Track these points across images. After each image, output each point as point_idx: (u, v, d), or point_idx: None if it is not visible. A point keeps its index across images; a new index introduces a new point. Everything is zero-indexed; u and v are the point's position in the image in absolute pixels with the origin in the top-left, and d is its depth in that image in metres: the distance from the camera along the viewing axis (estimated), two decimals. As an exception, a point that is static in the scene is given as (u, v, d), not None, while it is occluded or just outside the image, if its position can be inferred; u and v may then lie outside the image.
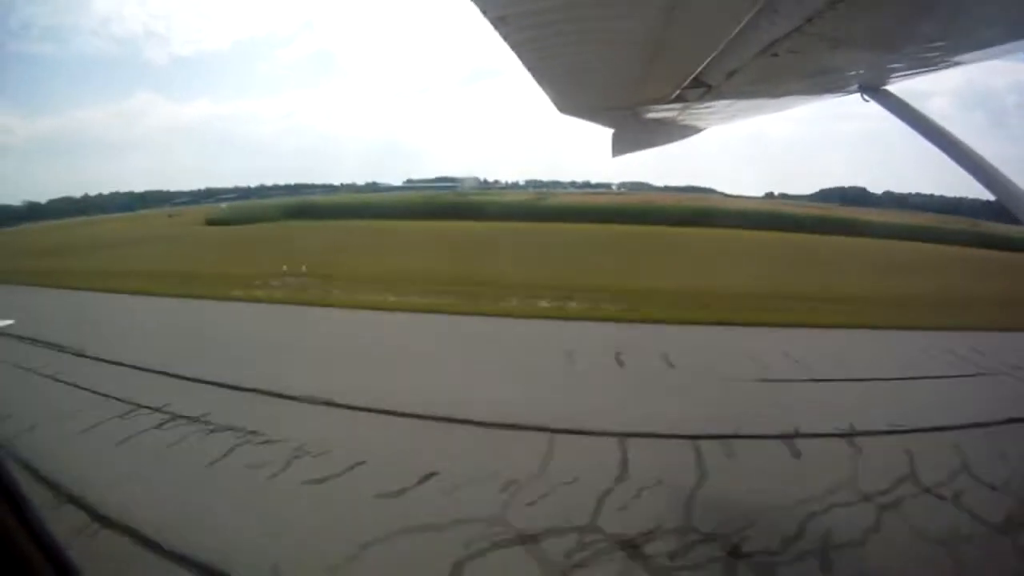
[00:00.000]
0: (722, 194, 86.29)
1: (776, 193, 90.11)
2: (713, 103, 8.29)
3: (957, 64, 5.62)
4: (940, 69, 5.85)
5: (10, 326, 18.20)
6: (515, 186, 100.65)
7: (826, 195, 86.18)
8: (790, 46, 5.03)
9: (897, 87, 6.70)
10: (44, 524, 2.07)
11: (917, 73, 6.09)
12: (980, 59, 5.38)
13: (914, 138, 6.34)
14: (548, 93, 6.96)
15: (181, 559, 7.01)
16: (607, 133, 11.17)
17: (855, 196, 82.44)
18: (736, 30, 4.69)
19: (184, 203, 79.40)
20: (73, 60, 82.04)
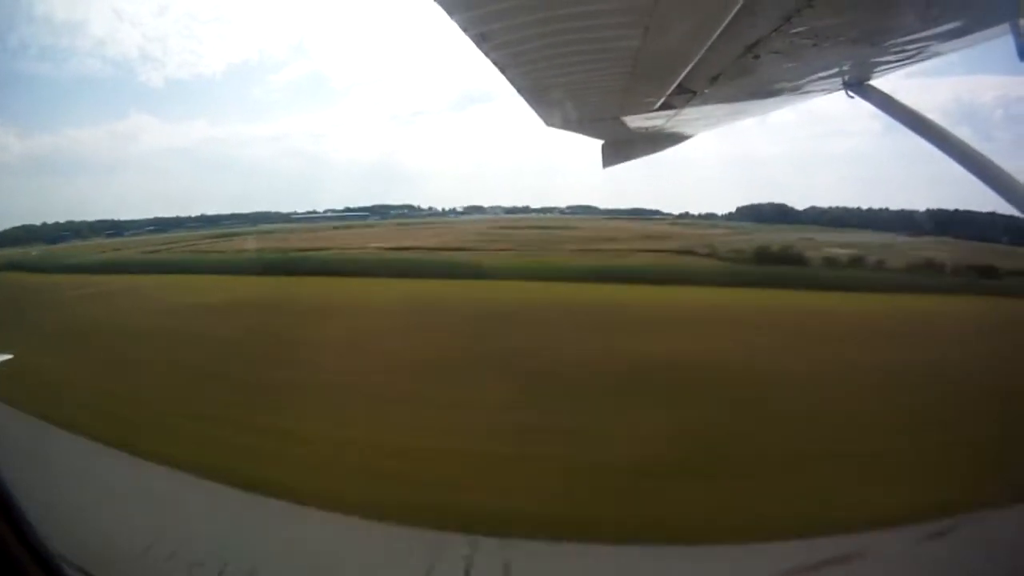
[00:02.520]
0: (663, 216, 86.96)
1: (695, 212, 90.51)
2: (699, 109, 8.33)
3: (937, 55, 5.65)
4: (921, 60, 5.88)
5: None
6: (452, 212, 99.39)
7: (744, 213, 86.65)
8: (771, 47, 5.06)
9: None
10: (36, 530, 2.06)
11: (899, 66, 6.13)
12: (959, 47, 5.42)
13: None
14: (533, 107, 7.00)
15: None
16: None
17: (772, 213, 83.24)
18: (716, 34, 4.71)
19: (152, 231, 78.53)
20: (69, 80, 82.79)
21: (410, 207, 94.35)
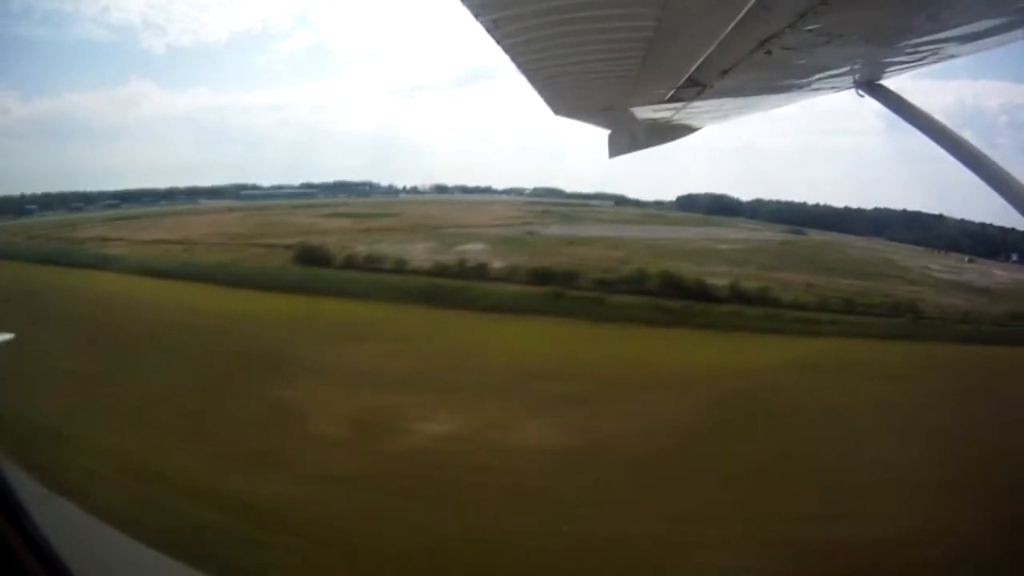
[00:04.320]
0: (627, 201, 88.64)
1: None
2: (708, 102, 8.28)
3: (952, 57, 5.62)
4: (934, 62, 5.84)
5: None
6: (415, 191, 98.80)
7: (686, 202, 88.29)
8: (783, 43, 5.02)
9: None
10: (37, 526, 2.08)
11: (912, 67, 6.09)
12: (973, 51, 5.39)
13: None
14: (542, 95, 6.97)
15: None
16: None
17: (711, 203, 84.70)
18: (729, 28, 4.68)
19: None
20: (71, 46, 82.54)
21: (370, 184, 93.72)
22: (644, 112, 9.05)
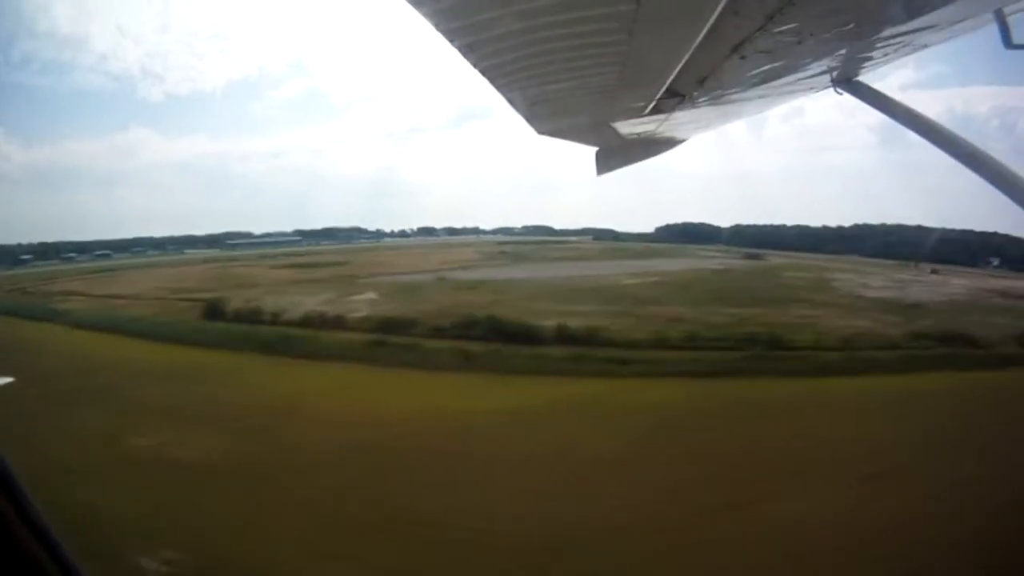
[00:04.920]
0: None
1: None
2: (690, 112, 8.35)
3: (923, 46, 5.66)
4: (908, 54, 5.90)
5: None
6: (403, 234, 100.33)
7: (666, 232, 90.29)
8: (756, 47, 5.07)
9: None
10: (44, 520, 2.08)
11: (886, 61, 6.14)
12: (944, 39, 5.43)
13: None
14: (523, 115, 7.01)
15: None
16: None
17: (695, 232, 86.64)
18: (701, 36, 4.73)
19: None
20: (71, 94, 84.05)
21: (358, 229, 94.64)
22: (628, 126, 9.11)
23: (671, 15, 4.48)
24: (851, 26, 4.88)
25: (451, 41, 4.60)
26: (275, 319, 43.48)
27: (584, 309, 43.33)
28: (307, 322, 42.63)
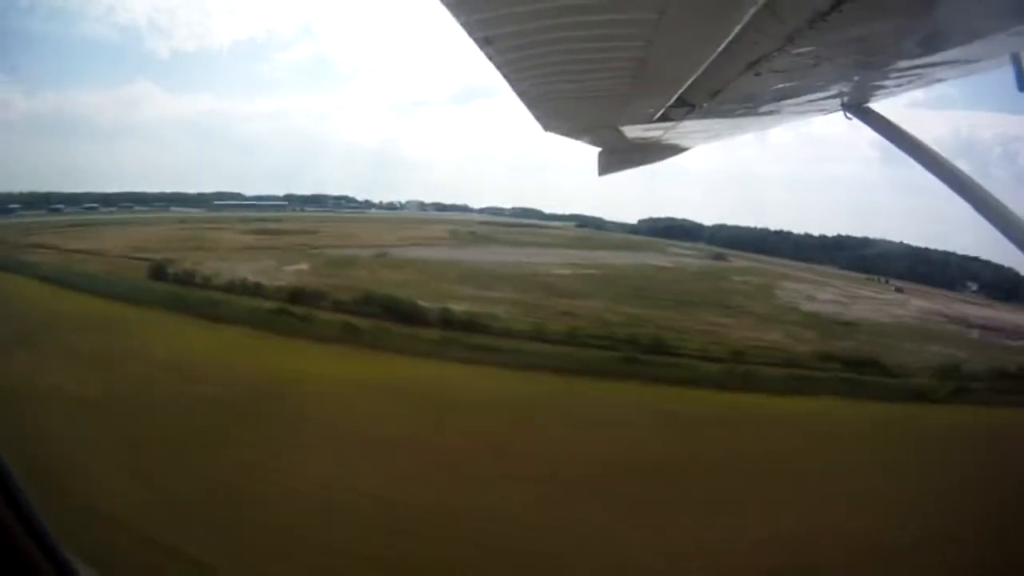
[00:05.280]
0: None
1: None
2: (698, 122, 8.35)
3: (937, 81, 5.69)
4: (921, 87, 5.92)
5: None
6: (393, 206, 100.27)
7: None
8: (772, 66, 5.06)
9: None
10: (40, 520, 2.05)
11: (899, 90, 6.16)
12: (961, 75, 5.46)
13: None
14: (532, 111, 6.98)
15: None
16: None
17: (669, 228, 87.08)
18: (719, 50, 4.72)
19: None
20: (77, 43, 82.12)
21: (346, 198, 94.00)
22: (634, 131, 9.10)
23: (692, 27, 4.46)
24: (868, 55, 4.89)
25: (469, 33, 4.56)
26: (206, 283, 45.73)
27: (493, 295, 45.05)
28: (230, 288, 44.95)
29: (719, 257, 70.89)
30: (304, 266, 51.84)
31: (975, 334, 45.96)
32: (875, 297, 55.92)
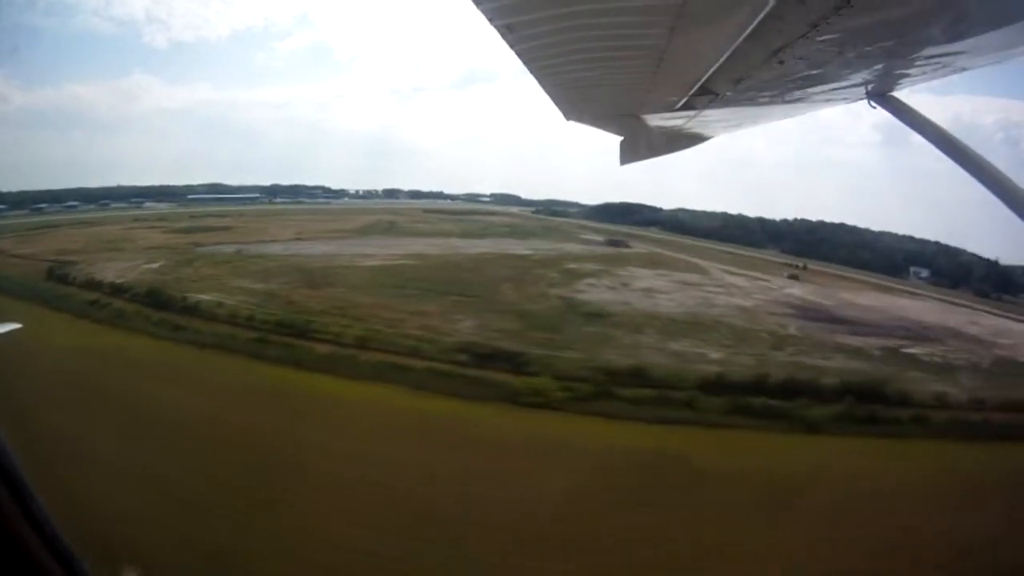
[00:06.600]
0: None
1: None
2: (720, 111, 8.29)
3: (964, 69, 5.60)
4: (948, 74, 5.83)
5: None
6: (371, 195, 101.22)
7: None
8: (796, 53, 5.04)
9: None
10: (47, 515, 2.11)
11: (925, 79, 6.07)
12: (987, 63, 5.37)
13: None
14: (554, 100, 7.00)
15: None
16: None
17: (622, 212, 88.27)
18: (742, 37, 4.71)
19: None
20: (75, 37, 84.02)
21: (323, 188, 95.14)
22: (656, 119, 9.07)
23: (715, 15, 4.46)
24: (894, 42, 4.83)
25: (490, 20, 4.60)
26: (83, 283, 52.51)
27: (260, 288, 50.65)
28: (89, 285, 51.59)
29: (617, 243, 71.40)
30: (162, 263, 58.35)
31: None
32: (721, 284, 56.64)
